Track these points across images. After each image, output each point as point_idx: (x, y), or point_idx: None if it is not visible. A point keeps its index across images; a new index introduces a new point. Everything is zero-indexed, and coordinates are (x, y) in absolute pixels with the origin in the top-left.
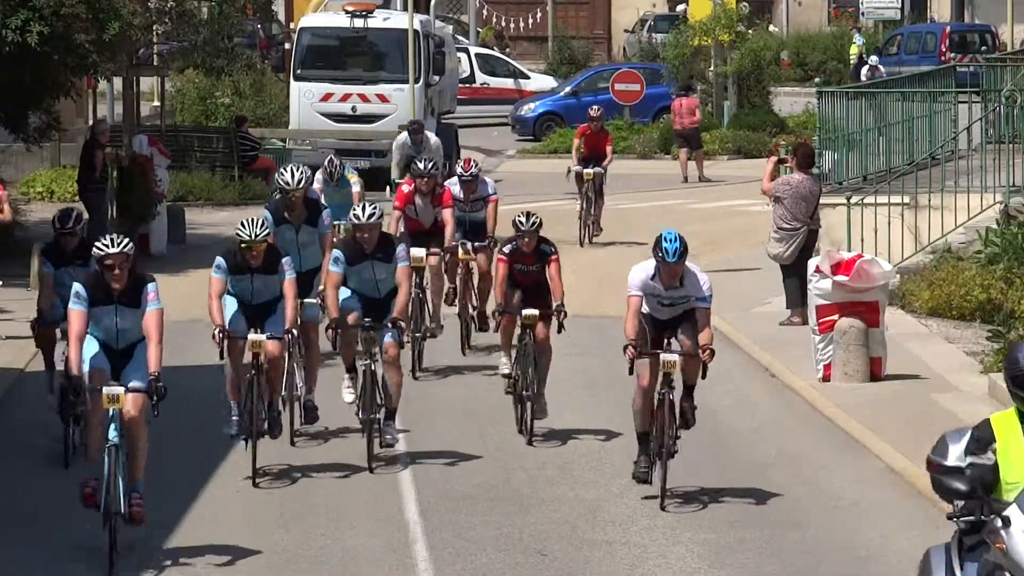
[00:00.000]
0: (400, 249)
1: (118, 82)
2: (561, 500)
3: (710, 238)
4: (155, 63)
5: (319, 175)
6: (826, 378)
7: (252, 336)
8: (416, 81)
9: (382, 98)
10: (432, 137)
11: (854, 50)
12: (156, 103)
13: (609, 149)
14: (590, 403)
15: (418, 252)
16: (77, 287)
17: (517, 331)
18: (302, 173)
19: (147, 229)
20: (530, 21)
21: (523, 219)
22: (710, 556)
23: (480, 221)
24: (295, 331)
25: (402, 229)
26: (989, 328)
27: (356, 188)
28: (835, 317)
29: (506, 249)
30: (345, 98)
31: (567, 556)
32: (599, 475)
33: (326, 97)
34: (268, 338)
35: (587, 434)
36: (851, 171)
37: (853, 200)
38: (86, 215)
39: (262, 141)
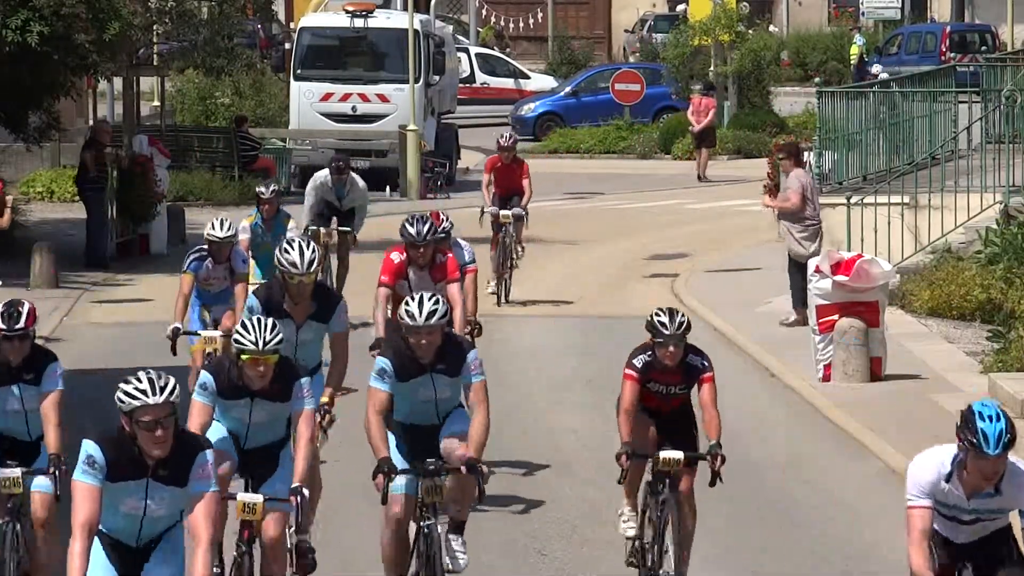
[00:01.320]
0: (472, 357)
1: (118, 82)
2: (561, 500)
3: (710, 238)
4: (155, 63)
5: (244, 224)
6: (826, 378)
7: (243, 497)
8: (416, 81)
9: (382, 98)
10: (359, 181)
11: (854, 50)
12: (156, 103)
13: (527, 183)
14: (590, 403)
15: None
16: (94, 452)
17: (647, 478)
18: (313, 253)
19: (147, 229)
20: (530, 21)
21: (665, 319)
22: (710, 556)
23: None
24: (306, 491)
25: (388, 314)
26: (989, 328)
27: (292, 232)
28: (835, 317)
29: (637, 362)
30: (345, 98)
31: (567, 556)
32: (599, 475)
33: (326, 97)
34: (267, 505)
35: (587, 434)
36: (851, 171)
37: (853, 200)
38: (26, 306)
39: (262, 141)
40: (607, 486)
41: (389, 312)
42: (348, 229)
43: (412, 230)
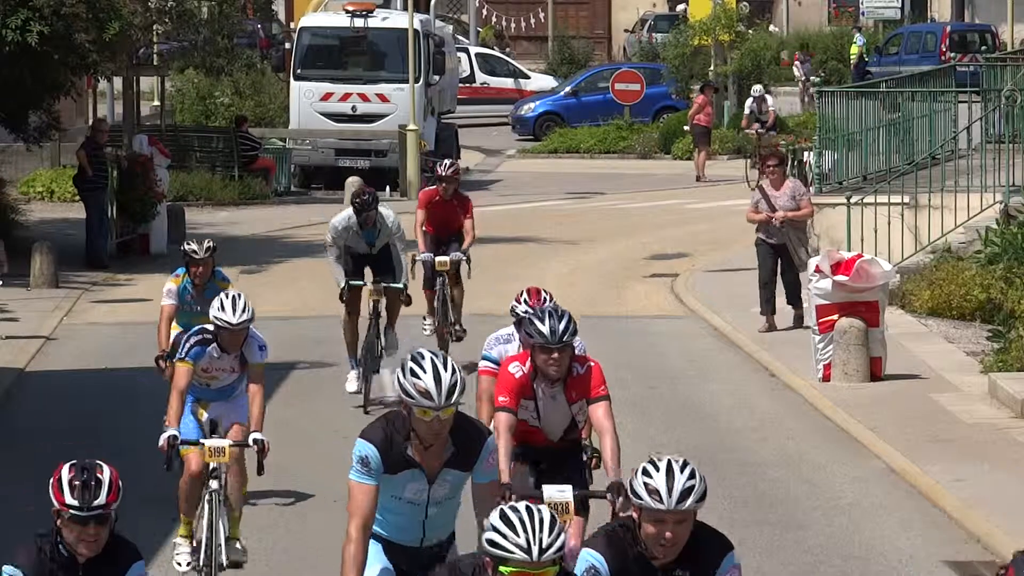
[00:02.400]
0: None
1: (118, 82)
2: None
3: (710, 238)
4: (155, 63)
5: (169, 286)
6: (826, 378)
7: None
8: (416, 81)
9: (382, 98)
10: (387, 214)
11: (854, 50)
12: (156, 103)
13: (469, 224)
14: None
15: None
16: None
17: None
18: (455, 375)
19: (147, 229)
20: (531, 21)
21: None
22: None
23: None
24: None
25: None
26: (989, 328)
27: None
28: (835, 317)
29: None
30: (345, 98)
31: None
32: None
33: (326, 97)
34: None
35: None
36: (851, 171)
37: (853, 200)
38: (107, 473)
39: (262, 141)
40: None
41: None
42: (399, 286)
43: (544, 328)
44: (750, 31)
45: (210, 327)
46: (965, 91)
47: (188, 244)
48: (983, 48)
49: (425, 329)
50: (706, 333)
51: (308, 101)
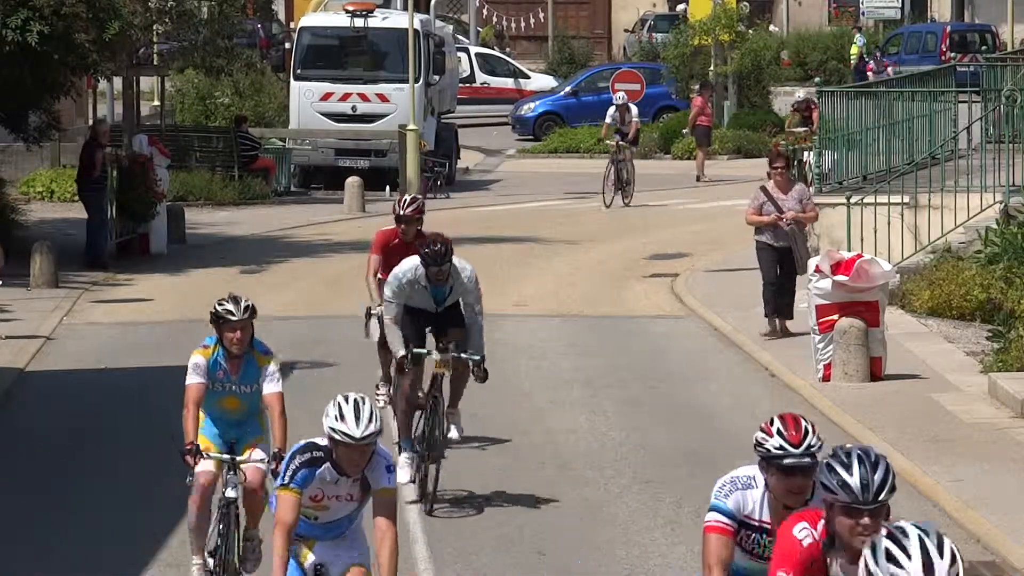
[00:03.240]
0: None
1: (118, 82)
2: (561, 500)
3: (710, 238)
4: (155, 63)
5: (195, 361)
6: (826, 378)
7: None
8: (416, 81)
9: (382, 98)
10: (465, 269)
11: (854, 50)
12: (156, 103)
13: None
14: (590, 403)
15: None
16: None
17: None
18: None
19: (147, 229)
20: (531, 21)
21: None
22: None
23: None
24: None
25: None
26: (989, 328)
27: (274, 386)
28: (835, 317)
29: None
30: (345, 98)
31: (567, 556)
32: (599, 475)
33: (326, 97)
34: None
35: (587, 434)
36: (851, 171)
37: (853, 200)
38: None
39: (262, 141)
40: (607, 486)
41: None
42: (477, 358)
43: (853, 479)
44: (750, 31)
45: (321, 441)
46: (965, 91)
47: (222, 304)
48: (983, 48)
49: (379, 399)
50: (706, 333)
51: (308, 101)
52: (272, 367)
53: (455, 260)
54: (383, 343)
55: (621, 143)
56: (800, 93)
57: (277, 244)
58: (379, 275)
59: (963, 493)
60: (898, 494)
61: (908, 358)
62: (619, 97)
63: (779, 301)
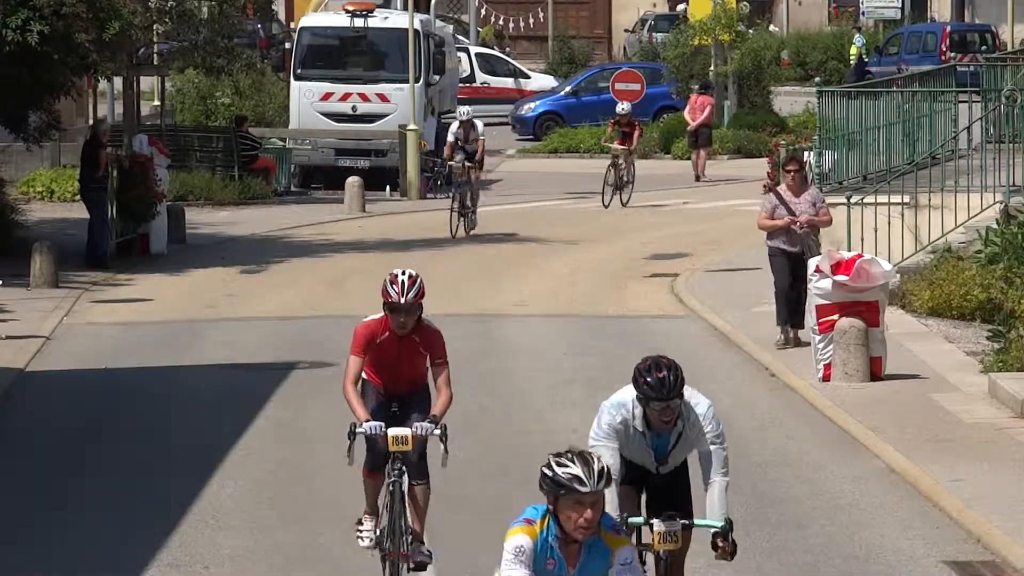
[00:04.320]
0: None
1: (118, 82)
2: None
3: (710, 238)
4: (155, 63)
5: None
6: (826, 378)
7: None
8: (416, 80)
9: (382, 97)
10: (700, 403)
11: (853, 50)
12: (156, 103)
13: (444, 376)
14: (590, 403)
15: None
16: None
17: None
18: None
19: (147, 229)
20: (531, 21)
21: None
22: (710, 556)
23: None
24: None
25: None
26: (989, 328)
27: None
28: (835, 317)
29: None
30: (345, 97)
31: None
32: None
33: (326, 96)
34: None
35: (587, 434)
36: (851, 171)
37: (853, 200)
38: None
39: (262, 141)
40: None
41: None
42: (718, 524)
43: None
44: (750, 31)
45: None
46: (965, 91)
47: (563, 466)
48: (983, 48)
49: (362, 538)
50: (706, 333)
51: (308, 101)
52: (627, 552)
53: (687, 392)
54: (372, 469)
55: (467, 163)
56: (623, 106)
57: (277, 244)
58: (366, 376)
59: (963, 493)
60: (898, 494)
61: (908, 358)
62: (464, 112)
63: (791, 310)
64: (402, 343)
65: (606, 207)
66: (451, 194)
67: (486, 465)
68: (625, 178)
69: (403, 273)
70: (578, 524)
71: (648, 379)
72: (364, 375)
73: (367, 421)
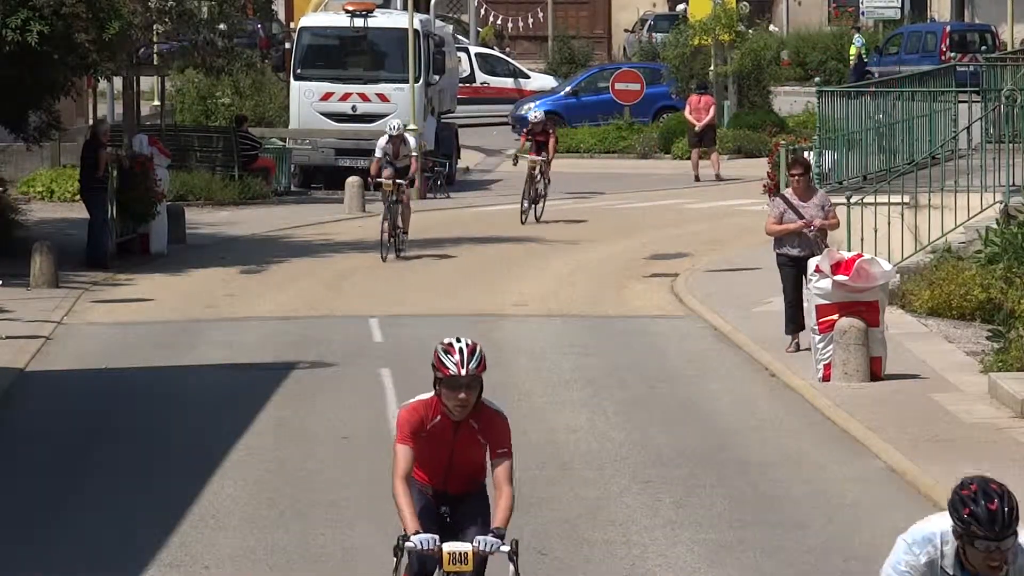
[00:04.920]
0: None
1: (118, 82)
2: (561, 500)
3: (710, 238)
4: (155, 63)
5: None
6: (826, 378)
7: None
8: (416, 80)
9: (382, 97)
10: None
11: (853, 51)
12: (156, 103)
13: (504, 469)
14: (590, 403)
15: None
16: None
17: None
18: None
19: (147, 229)
20: (530, 21)
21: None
22: (710, 556)
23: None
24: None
25: None
26: (989, 328)
27: None
28: (835, 317)
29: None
30: (345, 97)
31: (567, 556)
32: (599, 475)
33: (326, 96)
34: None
35: (587, 434)
36: (851, 171)
37: (853, 200)
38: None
39: (262, 141)
40: (607, 486)
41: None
42: None
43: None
44: (750, 31)
45: None
46: (965, 91)
47: None
48: (983, 48)
49: None
50: (706, 333)
51: (308, 101)
52: None
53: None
54: None
55: (398, 181)
56: (535, 114)
57: (277, 244)
58: (413, 474)
59: None
60: (898, 494)
61: (908, 358)
62: (394, 126)
63: (800, 317)
64: (458, 430)
65: (523, 223)
66: (382, 214)
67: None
68: (540, 191)
69: (458, 340)
70: None
71: (974, 510)
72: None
73: (416, 534)
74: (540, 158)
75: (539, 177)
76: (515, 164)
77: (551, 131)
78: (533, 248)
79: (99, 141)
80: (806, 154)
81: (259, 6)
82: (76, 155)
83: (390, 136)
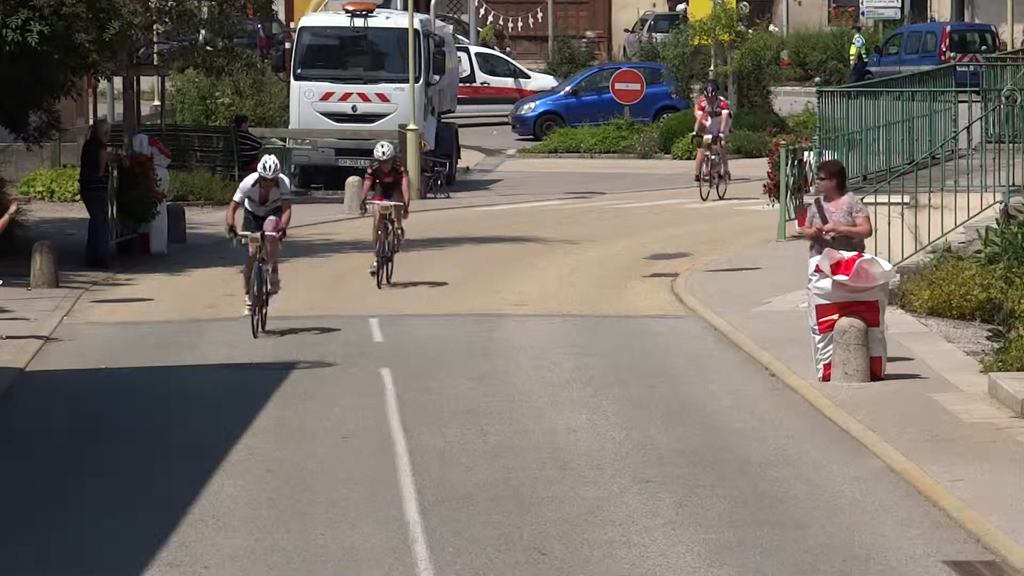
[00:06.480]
0: None
1: (118, 82)
2: (561, 500)
3: (710, 238)
4: (155, 63)
5: None
6: (826, 378)
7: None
8: (416, 80)
9: (382, 97)
10: None
11: (853, 51)
12: (156, 103)
13: None
14: (590, 403)
15: None
16: None
17: None
18: None
19: (147, 229)
20: (530, 21)
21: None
22: (710, 556)
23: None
24: None
25: None
26: (989, 328)
27: None
28: (835, 317)
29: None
30: (345, 97)
31: (567, 556)
32: (599, 475)
33: (326, 96)
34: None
35: (587, 434)
36: (851, 171)
37: None
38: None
39: (262, 141)
40: (607, 486)
41: None
42: None
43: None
44: (750, 31)
45: None
46: (965, 91)
47: None
48: (983, 48)
49: None
50: (706, 333)
51: (308, 101)
52: None
53: None
54: None
55: (395, 204)
56: (383, 150)
57: None
58: None
59: (963, 493)
60: (898, 494)
61: (908, 358)
62: (268, 167)
63: None
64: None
65: (379, 287)
66: (242, 270)
67: (486, 464)
68: (394, 245)
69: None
70: None
71: None
72: None
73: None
74: (392, 203)
75: (391, 228)
76: (363, 213)
77: (402, 170)
78: (533, 248)
79: (99, 141)
80: (806, 154)
81: (259, 6)
82: (76, 155)
83: (260, 178)
